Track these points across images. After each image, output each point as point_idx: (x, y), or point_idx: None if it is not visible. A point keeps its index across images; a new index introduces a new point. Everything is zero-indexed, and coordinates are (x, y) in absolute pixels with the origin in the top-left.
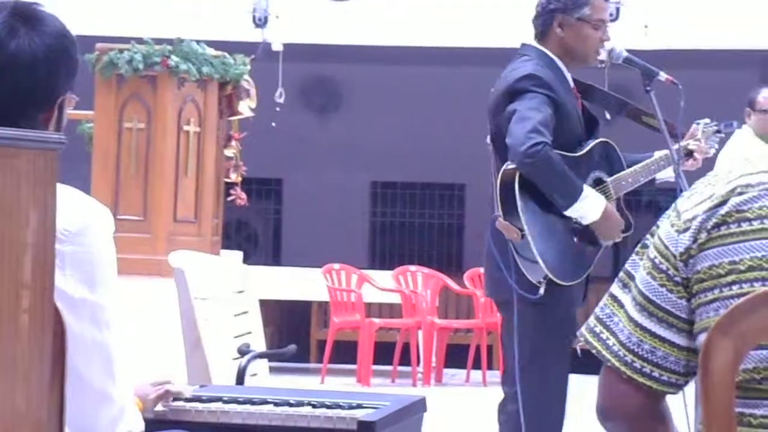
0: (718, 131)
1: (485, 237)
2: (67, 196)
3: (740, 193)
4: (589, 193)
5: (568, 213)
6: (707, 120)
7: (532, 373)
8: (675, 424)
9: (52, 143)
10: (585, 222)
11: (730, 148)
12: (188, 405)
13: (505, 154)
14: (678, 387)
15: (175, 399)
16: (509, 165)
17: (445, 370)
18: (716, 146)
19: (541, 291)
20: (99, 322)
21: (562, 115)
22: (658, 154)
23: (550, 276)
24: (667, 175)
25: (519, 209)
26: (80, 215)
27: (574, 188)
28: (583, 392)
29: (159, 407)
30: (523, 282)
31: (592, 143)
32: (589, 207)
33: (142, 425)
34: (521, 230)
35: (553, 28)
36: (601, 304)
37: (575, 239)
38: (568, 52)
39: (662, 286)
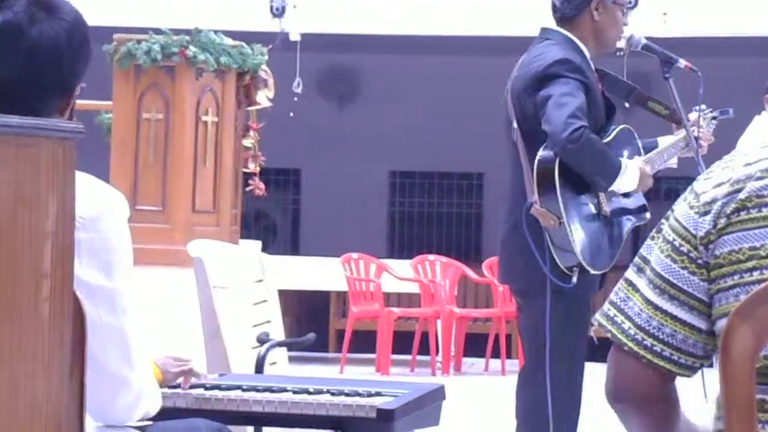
0: (714, 118)
1: (501, 224)
2: (82, 182)
3: (759, 178)
4: (626, 164)
5: (610, 188)
6: (704, 106)
7: (561, 361)
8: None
9: (70, 132)
10: (621, 191)
11: (750, 134)
12: (208, 393)
13: (533, 138)
14: (695, 370)
15: (192, 386)
16: (546, 151)
17: (464, 359)
18: (710, 132)
19: (574, 279)
20: (116, 309)
21: (591, 101)
22: (662, 141)
23: (584, 263)
24: (671, 162)
25: (558, 195)
26: (96, 202)
27: (614, 166)
28: (595, 380)
29: (178, 390)
30: (555, 270)
31: (616, 129)
32: (629, 179)
33: (159, 402)
34: (558, 217)
35: (590, 11)
36: (615, 289)
37: (606, 225)
38: (598, 36)
39: (684, 268)
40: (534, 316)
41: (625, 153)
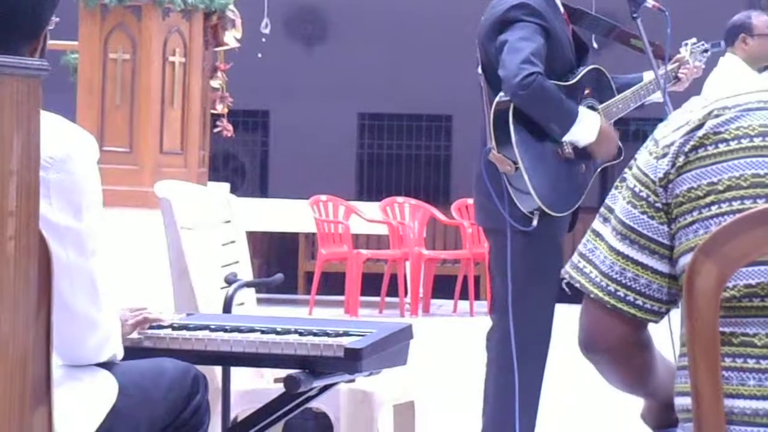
0: (706, 50)
1: (475, 167)
2: (51, 123)
3: (717, 116)
4: (584, 115)
5: (565, 138)
6: (694, 40)
7: (523, 302)
8: (658, 350)
9: (34, 70)
10: (582, 144)
11: (716, 77)
12: (175, 333)
13: (495, 84)
14: (660, 315)
15: (153, 326)
16: (502, 97)
17: (433, 301)
18: (703, 65)
19: (534, 222)
20: (84, 250)
21: (554, 43)
22: (647, 75)
23: (543, 207)
24: (656, 97)
25: (513, 141)
26: (65, 143)
27: (569, 114)
28: (568, 322)
29: (135, 335)
30: (515, 213)
31: (583, 70)
32: (586, 129)
33: (122, 351)
34: (515, 162)
35: None
36: (583, 240)
37: (568, 168)
38: None
39: (643, 213)
40: (499, 256)
41: (585, 104)
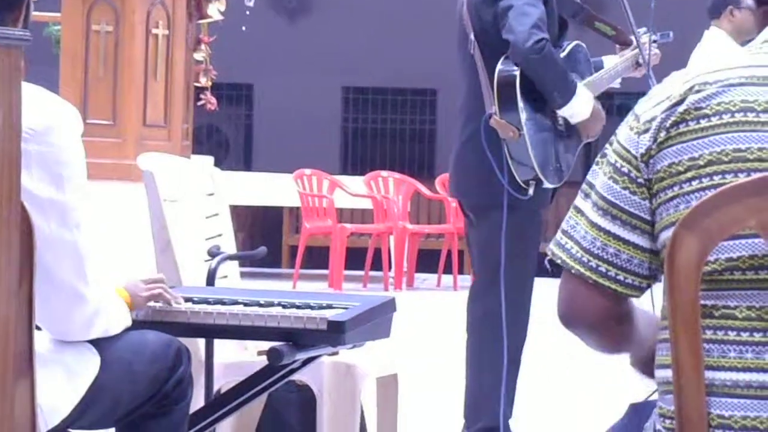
0: (655, 41)
1: (456, 141)
2: (32, 95)
3: (698, 91)
4: (582, 90)
5: (561, 111)
6: (645, 28)
7: (515, 274)
8: (640, 308)
9: (16, 40)
10: (575, 120)
11: (701, 52)
12: (158, 306)
13: (491, 50)
14: (641, 290)
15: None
16: (508, 64)
17: (417, 275)
18: (658, 52)
19: (530, 192)
20: (68, 222)
21: (549, 13)
22: (607, 61)
23: (540, 176)
24: (614, 84)
25: (519, 106)
26: (46, 114)
27: (571, 86)
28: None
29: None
30: (513, 183)
31: (569, 45)
32: (582, 105)
33: (128, 322)
34: (518, 129)
35: None
36: (566, 217)
37: (560, 142)
38: None
39: (625, 188)
40: (488, 229)
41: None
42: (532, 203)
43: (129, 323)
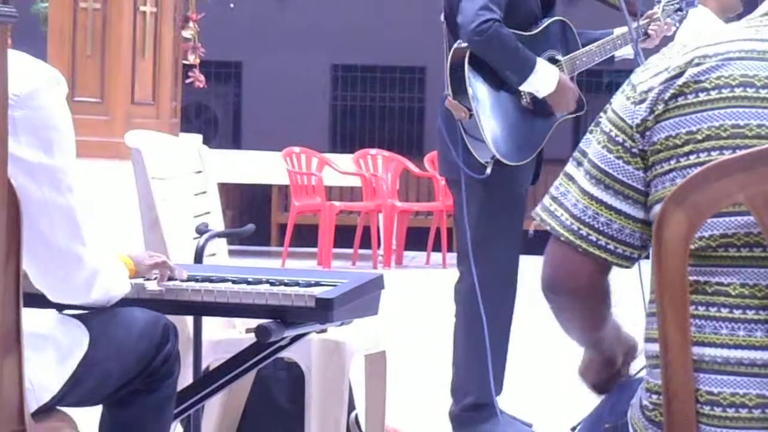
0: (679, 9)
1: (438, 117)
2: (15, 60)
3: (697, 64)
4: (540, 66)
5: (522, 88)
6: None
7: (484, 252)
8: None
9: (2, 17)
10: (540, 95)
11: (686, 30)
12: (146, 283)
13: (457, 33)
14: (632, 260)
15: (170, 278)
16: (461, 44)
17: (405, 253)
18: (677, 24)
19: (488, 171)
20: (59, 186)
21: None
22: (617, 31)
23: (497, 156)
24: (626, 52)
25: (468, 88)
26: (30, 78)
27: (526, 63)
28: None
29: (155, 287)
30: (471, 161)
31: (546, 21)
32: (543, 79)
33: (127, 287)
34: (469, 109)
35: None
36: (555, 183)
37: (525, 119)
38: None
39: (619, 158)
40: (456, 207)
41: (547, 55)
42: (498, 181)
43: (128, 288)
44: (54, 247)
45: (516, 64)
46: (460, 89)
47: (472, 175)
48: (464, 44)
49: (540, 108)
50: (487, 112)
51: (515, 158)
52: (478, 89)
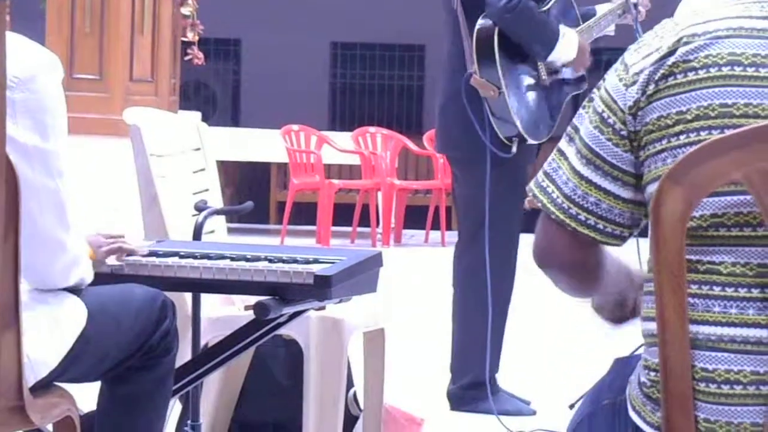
0: None
1: (440, 97)
2: (15, 43)
3: (687, 43)
4: (564, 31)
5: (549, 58)
6: None
7: (499, 229)
8: (610, 253)
9: None
10: (562, 62)
11: (685, 7)
12: (144, 259)
13: (473, 7)
14: (622, 239)
15: (129, 255)
16: (486, 21)
17: (404, 231)
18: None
19: (514, 149)
20: (51, 170)
21: None
22: (600, 9)
23: (523, 133)
24: (608, 30)
25: (497, 65)
26: (30, 62)
27: (553, 34)
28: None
29: (114, 262)
30: (495, 140)
31: None
32: (566, 46)
33: (91, 275)
34: (498, 87)
35: None
36: (549, 158)
37: (545, 97)
38: None
39: (609, 139)
40: (472, 185)
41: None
42: (518, 159)
43: (92, 278)
44: (40, 231)
45: (544, 36)
46: (487, 67)
47: (498, 155)
48: (489, 22)
49: (555, 84)
50: (514, 89)
51: (538, 136)
52: (505, 67)
